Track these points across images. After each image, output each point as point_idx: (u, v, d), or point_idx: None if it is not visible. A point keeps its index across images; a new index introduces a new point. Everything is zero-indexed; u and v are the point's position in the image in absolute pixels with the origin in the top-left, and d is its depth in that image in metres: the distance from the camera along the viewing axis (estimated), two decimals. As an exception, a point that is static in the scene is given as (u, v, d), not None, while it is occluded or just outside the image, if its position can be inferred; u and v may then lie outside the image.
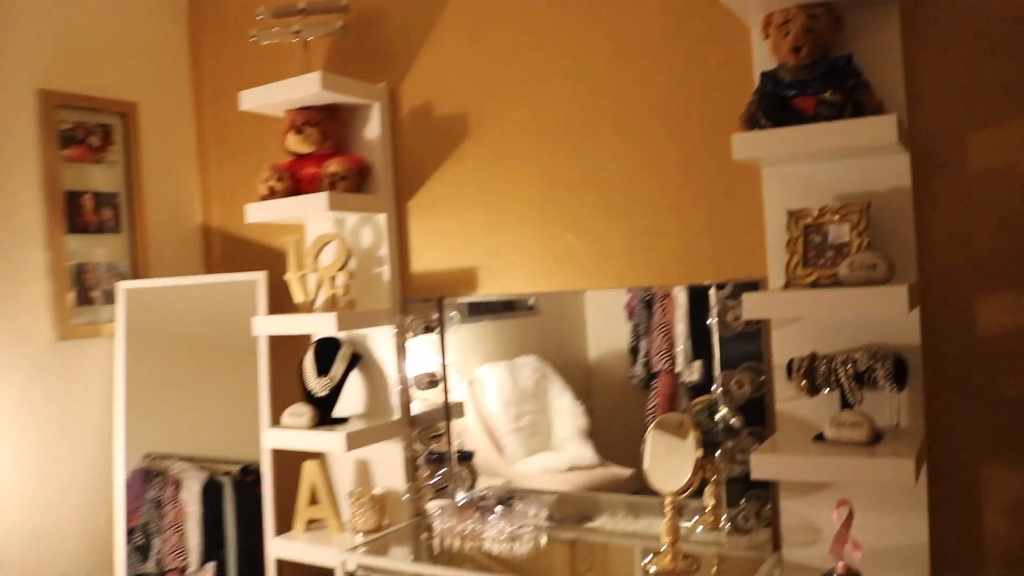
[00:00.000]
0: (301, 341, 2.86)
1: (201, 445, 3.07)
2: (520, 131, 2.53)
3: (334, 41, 2.86)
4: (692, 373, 2.36)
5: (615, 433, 2.61)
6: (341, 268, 2.59)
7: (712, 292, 2.20)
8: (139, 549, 3.03)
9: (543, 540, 2.44)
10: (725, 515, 2.20)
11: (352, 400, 2.80)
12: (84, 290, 2.96)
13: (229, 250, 3.29)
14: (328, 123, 2.66)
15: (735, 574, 2.08)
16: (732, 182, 2.18)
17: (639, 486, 2.28)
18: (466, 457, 2.73)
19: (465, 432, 2.77)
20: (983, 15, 1.89)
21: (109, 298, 3.02)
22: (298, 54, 2.75)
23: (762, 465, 1.88)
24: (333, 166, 2.57)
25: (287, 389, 2.84)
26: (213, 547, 3.00)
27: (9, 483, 2.73)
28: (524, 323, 2.80)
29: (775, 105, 1.87)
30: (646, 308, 2.46)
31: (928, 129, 1.95)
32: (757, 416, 2.15)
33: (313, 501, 2.78)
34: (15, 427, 2.75)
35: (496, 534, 2.46)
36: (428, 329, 2.66)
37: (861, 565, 1.90)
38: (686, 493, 2.10)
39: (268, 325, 2.68)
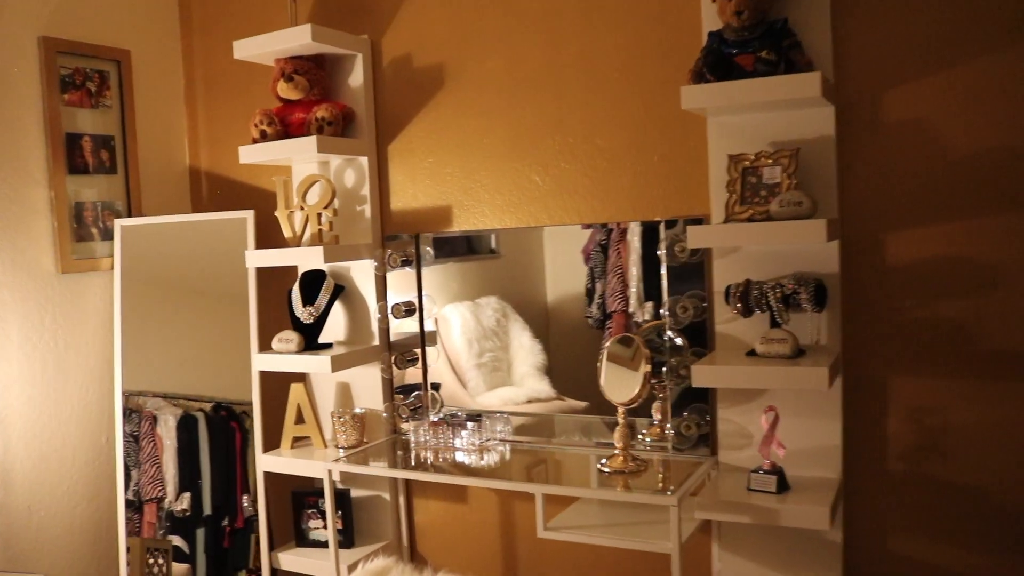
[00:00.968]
0: (285, 277, 3.09)
1: (176, 384, 3.23)
2: (493, 82, 2.77)
3: (319, -5, 3.07)
4: (644, 313, 2.58)
5: (571, 369, 2.78)
6: (326, 206, 2.83)
7: (662, 227, 2.47)
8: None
9: (508, 452, 2.72)
10: (670, 425, 2.49)
11: (335, 328, 3.04)
12: (83, 227, 3.16)
13: (217, 190, 3.50)
14: (315, 72, 2.87)
15: (676, 472, 2.36)
16: (681, 129, 2.44)
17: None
18: (434, 388, 2.99)
19: (432, 366, 2.99)
20: (899, -15, 2.17)
21: (106, 235, 3.22)
22: (288, 6, 2.95)
23: (701, 375, 2.17)
24: (321, 112, 2.79)
25: (272, 322, 3.08)
26: (188, 478, 3.18)
27: (17, 404, 2.94)
28: (487, 266, 2.99)
29: (719, 62, 2.14)
30: (602, 252, 2.66)
31: (852, 85, 2.23)
32: (700, 337, 2.44)
33: (298, 420, 3.03)
34: (23, 353, 2.96)
35: (466, 446, 2.74)
36: (406, 262, 2.91)
37: (784, 462, 2.22)
38: (636, 404, 2.38)
39: (259, 258, 2.91)
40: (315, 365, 2.80)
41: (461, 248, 2.98)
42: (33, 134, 3.01)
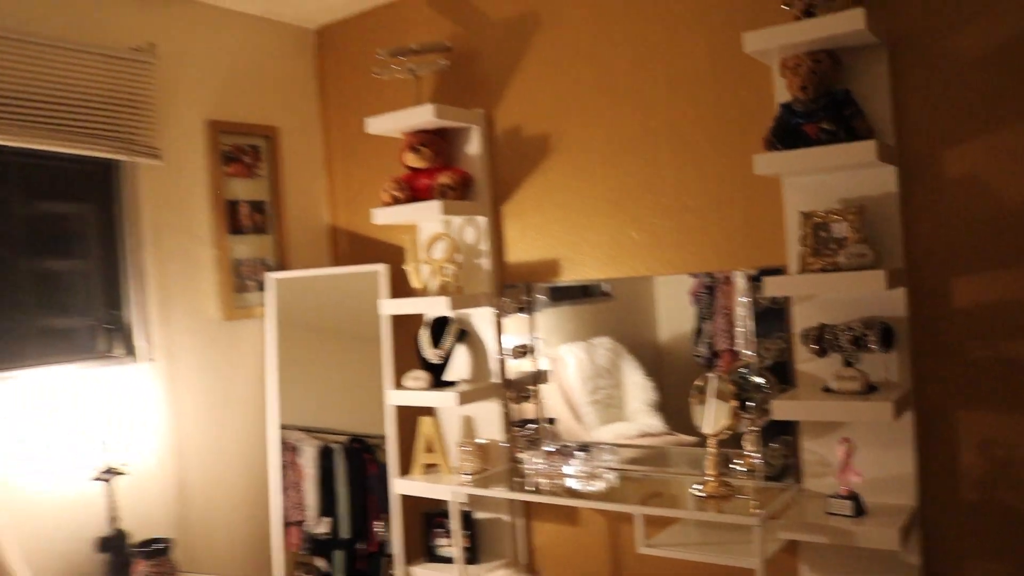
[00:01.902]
0: (413, 322, 3.48)
1: (314, 418, 3.63)
2: (593, 148, 3.10)
3: (439, 74, 3.48)
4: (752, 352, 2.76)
5: (682, 406, 2.80)
6: (450, 260, 3.22)
7: (742, 277, 2.73)
8: (286, 491, 3.69)
9: (614, 479, 2.97)
10: (759, 455, 2.74)
11: (459, 367, 3.41)
12: (241, 280, 3.65)
13: (351, 246, 3.96)
14: (438, 143, 3.27)
15: (762, 497, 2.59)
16: (759, 189, 2.72)
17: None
18: (550, 422, 3.29)
19: (547, 403, 3.26)
20: (951, 59, 2.40)
21: (260, 287, 3.71)
22: (412, 87, 3.37)
23: (781, 409, 2.44)
24: (443, 178, 3.19)
25: (403, 362, 3.46)
26: (327, 504, 3.56)
27: (191, 430, 3.44)
28: (600, 308, 3.24)
29: (786, 132, 2.42)
30: (709, 293, 2.88)
31: (912, 145, 2.46)
32: (783, 375, 2.69)
33: (428, 449, 3.40)
34: (193, 388, 3.46)
35: (577, 472, 3.03)
36: (520, 309, 3.27)
37: (862, 489, 2.45)
38: (724, 436, 2.65)
39: (393, 306, 3.31)
40: (443, 400, 3.17)
41: (576, 292, 3.23)
42: (202, 202, 3.52)
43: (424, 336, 3.33)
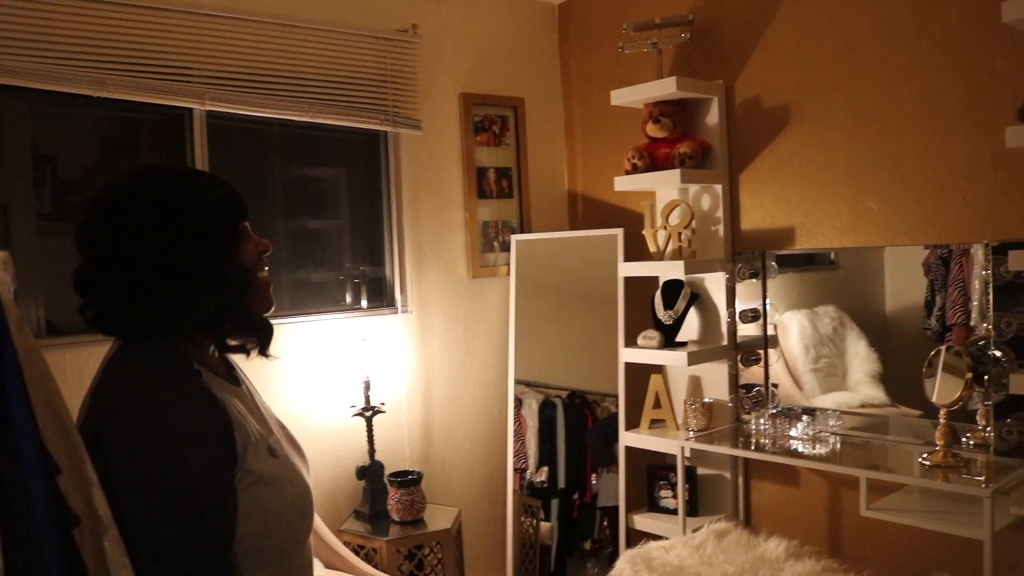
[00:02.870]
0: (646, 285, 3.66)
1: (539, 373, 3.87)
2: (833, 118, 3.14)
3: (681, 47, 3.61)
4: (986, 328, 2.71)
5: (907, 378, 2.88)
6: (686, 226, 3.37)
7: (988, 250, 2.71)
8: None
9: (838, 443, 3.04)
10: (991, 429, 2.74)
11: (689, 329, 3.57)
12: (487, 241, 3.97)
13: (589, 211, 4.19)
14: (678, 114, 3.42)
15: (993, 471, 2.58)
16: (1009, 161, 2.69)
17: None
18: (773, 387, 3.41)
19: (772, 367, 3.35)
20: None
21: (504, 247, 4.01)
22: (650, 59, 3.53)
23: (1020, 383, 2.45)
24: (683, 148, 3.34)
25: (634, 322, 3.65)
26: (547, 454, 3.80)
27: (439, 377, 3.81)
28: (825, 276, 3.28)
29: (1041, 105, 2.40)
30: (943, 265, 2.85)
31: None
32: (1023, 351, 2.67)
33: (656, 406, 3.60)
34: (443, 338, 3.82)
35: (801, 435, 3.13)
36: (753, 275, 3.38)
37: (1105, 468, 2.42)
38: (957, 406, 2.66)
39: (629, 269, 3.51)
40: (673, 359, 3.35)
41: (801, 260, 3.30)
42: (454, 169, 3.86)
43: (658, 298, 3.51)
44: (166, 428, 1.30)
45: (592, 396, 3.78)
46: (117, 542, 1.19)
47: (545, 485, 3.84)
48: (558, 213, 4.24)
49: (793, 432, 3.13)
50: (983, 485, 2.43)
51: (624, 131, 3.84)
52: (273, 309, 1.60)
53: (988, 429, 2.73)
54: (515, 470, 3.91)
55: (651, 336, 3.44)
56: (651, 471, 3.64)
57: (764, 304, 3.37)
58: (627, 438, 3.59)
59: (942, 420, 2.69)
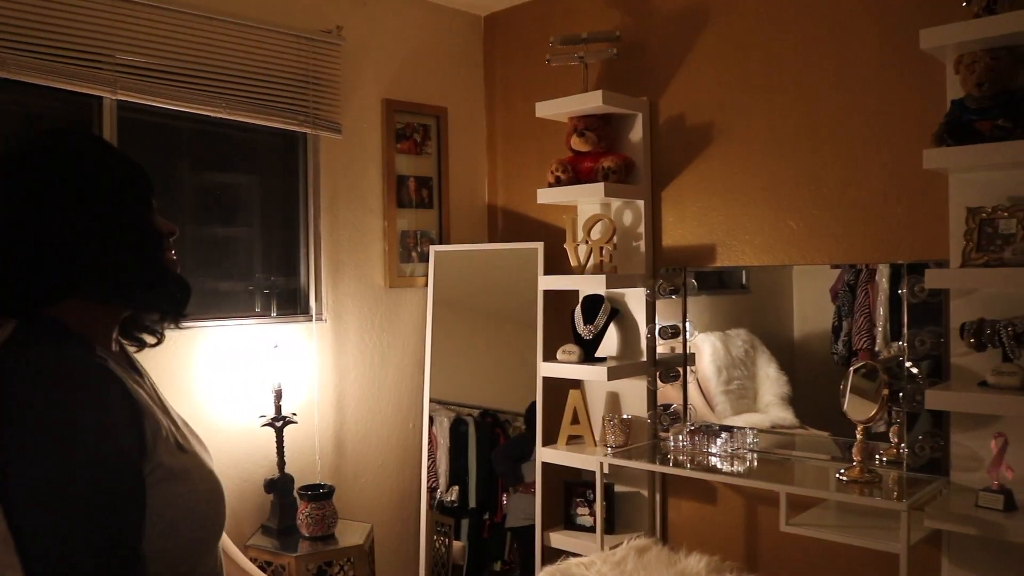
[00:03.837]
0: (566, 300, 3.64)
1: (450, 392, 3.81)
2: (755, 139, 3.19)
3: (607, 62, 3.61)
4: (889, 352, 2.81)
5: (815, 401, 2.97)
6: (608, 241, 3.36)
7: (904, 270, 2.78)
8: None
9: (755, 460, 3.05)
10: (904, 446, 2.78)
11: (609, 345, 3.55)
12: (406, 251, 3.89)
13: (509, 224, 4.15)
14: (603, 128, 3.41)
15: (908, 486, 2.63)
16: (925, 183, 2.76)
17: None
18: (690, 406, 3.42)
19: (691, 384, 3.36)
20: None
21: (423, 258, 3.94)
22: (575, 74, 3.53)
23: (934, 399, 2.49)
24: (607, 162, 3.33)
25: (552, 336, 3.61)
26: (457, 474, 3.75)
27: (352, 389, 3.69)
28: (737, 300, 3.33)
29: (958, 128, 2.46)
30: (849, 291, 2.91)
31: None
32: (935, 369, 2.73)
33: (574, 421, 3.55)
34: (358, 348, 3.71)
35: (720, 452, 3.14)
36: (673, 292, 3.38)
37: (1014, 486, 2.47)
38: (872, 422, 2.71)
39: (550, 282, 3.48)
40: (593, 374, 3.32)
41: (715, 283, 3.35)
42: (374, 176, 3.77)
43: (578, 313, 3.48)
44: (72, 415, 1.20)
45: (504, 415, 3.73)
46: (4, 539, 1.08)
47: (455, 504, 3.77)
48: (478, 225, 4.19)
49: (712, 449, 3.13)
50: (899, 500, 2.47)
51: (547, 144, 3.82)
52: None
53: (902, 446, 2.78)
54: (428, 488, 3.82)
55: (571, 351, 3.41)
56: (568, 488, 3.60)
57: (684, 321, 3.38)
58: (544, 454, 3.54)
59: (859, 436, 2.72)
